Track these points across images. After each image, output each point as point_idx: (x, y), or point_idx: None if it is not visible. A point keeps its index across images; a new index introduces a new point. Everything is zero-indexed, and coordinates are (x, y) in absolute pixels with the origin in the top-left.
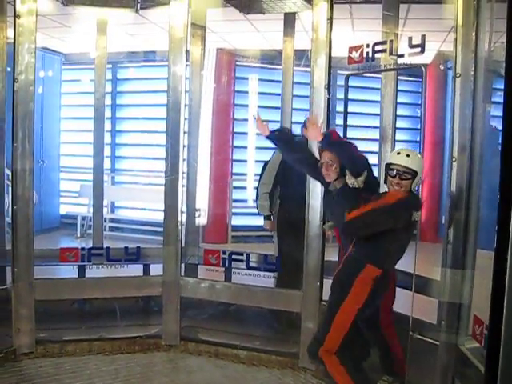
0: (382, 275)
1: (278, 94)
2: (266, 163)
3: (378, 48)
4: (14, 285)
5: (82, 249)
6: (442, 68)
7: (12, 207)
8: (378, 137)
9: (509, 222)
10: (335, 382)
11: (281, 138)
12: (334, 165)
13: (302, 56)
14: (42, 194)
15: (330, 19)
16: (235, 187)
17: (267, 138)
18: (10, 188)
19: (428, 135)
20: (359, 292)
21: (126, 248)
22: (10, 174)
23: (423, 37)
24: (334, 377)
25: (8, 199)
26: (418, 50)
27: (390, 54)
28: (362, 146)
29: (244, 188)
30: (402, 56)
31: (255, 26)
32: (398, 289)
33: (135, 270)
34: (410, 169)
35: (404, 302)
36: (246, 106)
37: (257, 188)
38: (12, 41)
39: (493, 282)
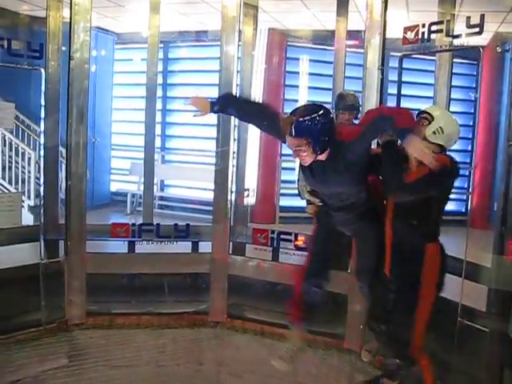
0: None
1: (330, 75)
2: None
3: (433, 28)
4: (66, 258)
5: (133, 225)
6: (499, 50)
7: (66, 183)
8: None
9: None
10: (424, 378)
11: (224, 103)
12: (303, 148)
13: (354, 36)
14: (94, 171)
15: None
16: (284, 168)
17: (213, 112)
18: (64, 164)
19: (482, 119)
20: (431, 272)
21: (176, 225)
22: (63, 150)
23: (482, 16)
24: (424, 373)
25: (61, 175)
26: (476, 30)
27: (447, 34)
28: None
29: (293, 169)
30: (457, 37)
31: (307, 5)
32: (452, 276)
33: (183, 247)
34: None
35: (453, 287)
36: (297, 86)
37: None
38: (67, 20)
39: None
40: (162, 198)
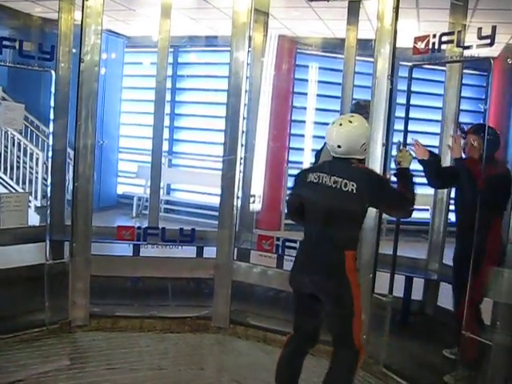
0: None
1: (338, 84)
2: (318, 152)
3: (444, 39)
4: (71, 259)
5: (138, 228)
6: (510, 62)
7: (73, 184)
8: (439, 131)
9: None
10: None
11: (431, 165)
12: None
13: (364, 45)
14: (101, 174)
15: (396, 8)
16: (290, 175)
17: (420, 161)
18: (71, 166)
19: None
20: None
21: (181, 229)
22: (71, 152)
23: (494, 28)
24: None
25: (69, 177)
26: (488, 41)
27: (457, 45)
28: (422, 140)
29: None
30: (468, 48)
31: (318, 13)
32: (449, 286)
33: (187, 251)
34: None
35: None
36: (305, 94)
37: None
38: (78, 23)
39: None
40: (168, 202)
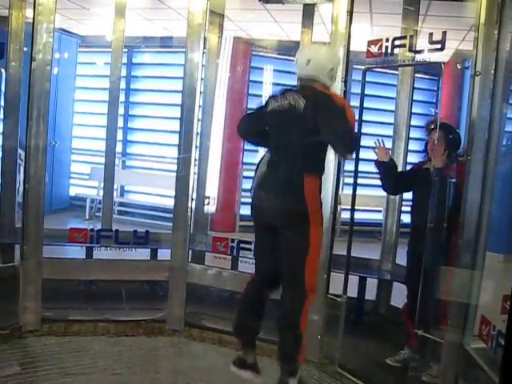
0: None
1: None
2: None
3: (397, 43)
4: (22, 262)
5: (91, 230)
6: (459, 67)
7: (24, 186)
8: (391, 134)
9: None
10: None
11: (390, 169)
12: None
13: None
14: (53, 175)
15: (350, 12)
16: (245, 177)
17: (379, 163)
18: (22, 167)
19: None
20: None
21: (135, 232)
22: (22, 153)
23: (444, 33)
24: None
25: (20, 178)
26: (438, 46)
27: (409, 49)
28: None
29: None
30: (420, 52)
31: (273, 15)
32: (402, 285)
33: (141, 254)
34: None
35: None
36: (260, 96)
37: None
38: (30, 20)
39: None
40: (121, 204)
